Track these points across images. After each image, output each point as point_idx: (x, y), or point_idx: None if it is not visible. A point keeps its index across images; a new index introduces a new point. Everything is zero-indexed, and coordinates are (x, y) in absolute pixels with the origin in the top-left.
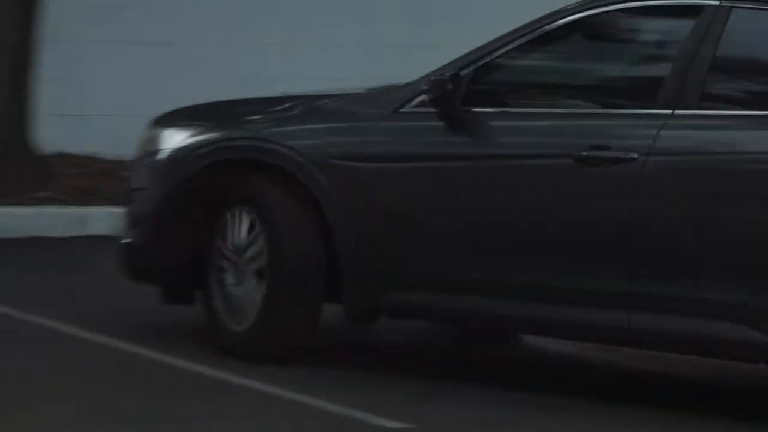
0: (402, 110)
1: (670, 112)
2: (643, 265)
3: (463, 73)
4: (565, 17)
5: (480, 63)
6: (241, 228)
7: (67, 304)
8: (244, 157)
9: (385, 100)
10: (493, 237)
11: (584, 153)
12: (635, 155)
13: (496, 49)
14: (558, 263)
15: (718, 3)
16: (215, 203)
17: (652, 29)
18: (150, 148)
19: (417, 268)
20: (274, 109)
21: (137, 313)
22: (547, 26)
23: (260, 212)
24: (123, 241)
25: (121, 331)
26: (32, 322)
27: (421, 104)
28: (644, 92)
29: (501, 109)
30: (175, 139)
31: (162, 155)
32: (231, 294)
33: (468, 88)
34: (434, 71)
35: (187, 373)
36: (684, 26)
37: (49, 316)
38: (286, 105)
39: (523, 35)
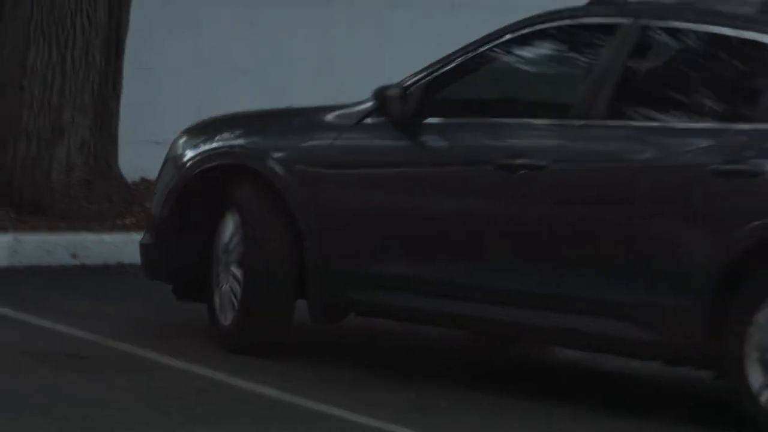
0: (364, 122)
1: (581, 123)
2: (555, 267)
3: (411, 86)
4: (498, 38)
5: (428, 78)
6: (228, 229)
7: (149, 331)
8: (229, 164)
9: (352, 112)
10: (432, 239)
11: (503, 161)
12: (545, 163)
13: (441, 66)
14: (490, 264)
15: (630, 21)
16: (212, 207)
17: (575, 47)
18: (169, 155)
19: (370, 269)
20: (267, 120)
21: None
22: (484, 46)
23: (241, 215)
24: (141, 242)
25: (200, 357)
26: (114, 348)
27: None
28: (562, 105)
29: (444, 120)
30: (186, 146)
31: (173, 162)
32: (221, 291)
33: (419, 100)
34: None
35: (282, 403)
36: (600, 44)
37: (131, 342)
38: (278, 116)
39: (464, 54)
